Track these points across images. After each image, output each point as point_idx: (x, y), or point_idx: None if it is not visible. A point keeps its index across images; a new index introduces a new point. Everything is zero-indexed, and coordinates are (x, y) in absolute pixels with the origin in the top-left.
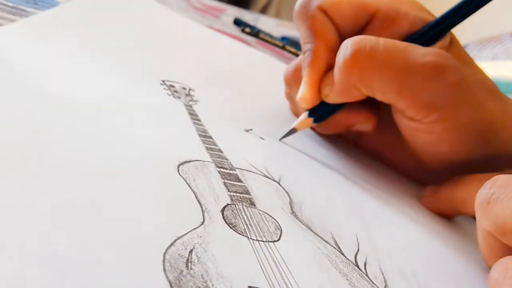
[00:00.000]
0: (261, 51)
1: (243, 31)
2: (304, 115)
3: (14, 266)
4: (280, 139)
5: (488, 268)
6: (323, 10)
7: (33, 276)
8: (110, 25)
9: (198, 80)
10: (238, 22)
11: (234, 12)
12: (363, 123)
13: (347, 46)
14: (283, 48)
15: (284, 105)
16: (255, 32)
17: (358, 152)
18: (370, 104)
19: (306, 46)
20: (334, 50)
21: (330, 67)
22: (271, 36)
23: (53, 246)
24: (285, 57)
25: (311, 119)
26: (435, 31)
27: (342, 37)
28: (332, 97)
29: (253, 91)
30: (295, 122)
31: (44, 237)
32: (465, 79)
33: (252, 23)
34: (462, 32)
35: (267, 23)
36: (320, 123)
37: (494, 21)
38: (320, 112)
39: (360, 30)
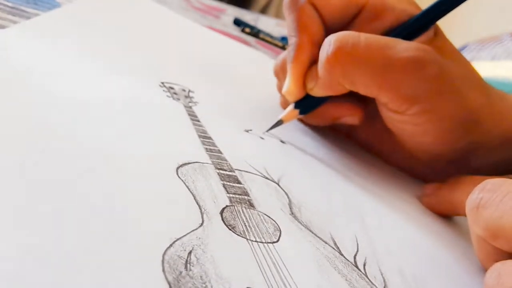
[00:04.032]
0: (261, 51)
1: (243, 31)
2: (291, 107)
3: (13, 265)
4: (266, 131)
5: (486, 271)
6: (312, 3)
7: (32, 276)
8: (110, 26)
9: (197, 82)
10: (238, 22)
11: (234, 12)
12: (350, 116)
13: (330, 43)
14: (283, 48)
15: None
16: (255, 32)
17: (358, 151)
18: (356, 97)
19: (291, 39)
20: (319, 44)
21: (314, 61)
22: (271, 36)
23: (52, 246)
24: None
25: (297, 111)
26: (418, 25)
27: (328, 30)
28: (317, 91)
29: (252, 92)
30: (282, 114)
31: (42, 237)
32: (446, 71)
33: (252, 23)
34: (462, 32)
35: (267, 23)
36: (307, 115)
37: (494, 21)
38: (306, 104)
39: (347, 24)
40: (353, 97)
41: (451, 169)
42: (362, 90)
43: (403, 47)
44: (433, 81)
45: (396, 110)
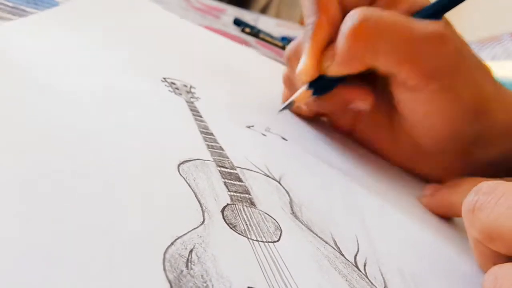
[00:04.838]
0: (261, 51)
1: (243, 31)
2: (304, 87)
3: (13, 265)
4: (279, 112)
5: (484, 273)
6: None
7: (32, 276)
8: (109, 24)
9: (199, 78)
10: (238, 22)
11: (234, 12)
12: (362, 100)
13: (354, 15)
14: (283, 48)
15: None
16: (255, 32)
17: (359, 150)
18: (366, 83)
19: (309, 19)
20: (336, 26)
21: (330, 42)
22: (271, 36)
23: (51, 245)
24: None
25: (310, 92)
26: (430, 14)
27: (344, 14)
28: (333, 68)
29: (253, 90)
30: (295, 95)
31: (42, 236)
32: (466, 49)
33: (252, 23)
34: (462, 32)
35: (267, 23)
36: (319, 98)
37: (494, 21)
38: (320, 85)
39: None
40: (363, 83)
41: (454, 164)
42: (383, 64)
43: (425, 22)
44: (454, 57)
45: (415, 86)
